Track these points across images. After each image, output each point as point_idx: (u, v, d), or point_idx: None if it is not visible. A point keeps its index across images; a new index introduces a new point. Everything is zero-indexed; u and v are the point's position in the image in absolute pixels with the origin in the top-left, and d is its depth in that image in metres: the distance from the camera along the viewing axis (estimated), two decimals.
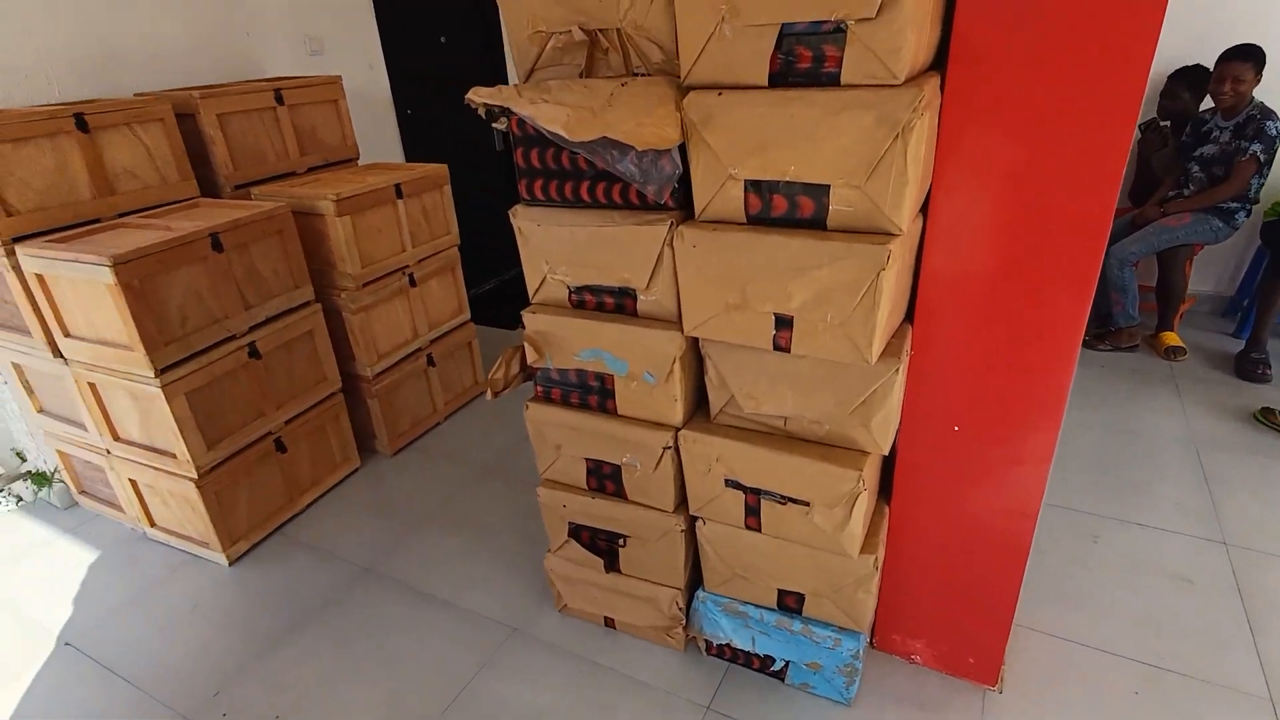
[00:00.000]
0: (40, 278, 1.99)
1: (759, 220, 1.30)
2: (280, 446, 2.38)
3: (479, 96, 1.41)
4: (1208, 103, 3.20)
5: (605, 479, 1.72)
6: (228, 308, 2.14)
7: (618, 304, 1.53)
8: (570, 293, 1.58)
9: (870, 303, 1.21)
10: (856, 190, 1.18)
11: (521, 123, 1.45)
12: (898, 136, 1.10)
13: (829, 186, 1.20)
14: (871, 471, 1.43)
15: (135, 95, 2.55)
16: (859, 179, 1.16)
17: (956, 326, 1.38)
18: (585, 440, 1.68)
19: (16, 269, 2.02)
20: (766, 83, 1.19)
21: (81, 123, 2.10)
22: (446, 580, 2.16)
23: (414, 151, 3.80)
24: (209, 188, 2.53)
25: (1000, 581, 1.57)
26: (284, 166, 2.70)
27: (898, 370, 1.31)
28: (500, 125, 1.50)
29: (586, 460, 1.72)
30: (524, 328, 1.63)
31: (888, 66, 1.08)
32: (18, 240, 2.01)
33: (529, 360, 1.64)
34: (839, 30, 1.10)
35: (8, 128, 1.94)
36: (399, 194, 2.62)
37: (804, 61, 1.15)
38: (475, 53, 4.16)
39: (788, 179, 1.23)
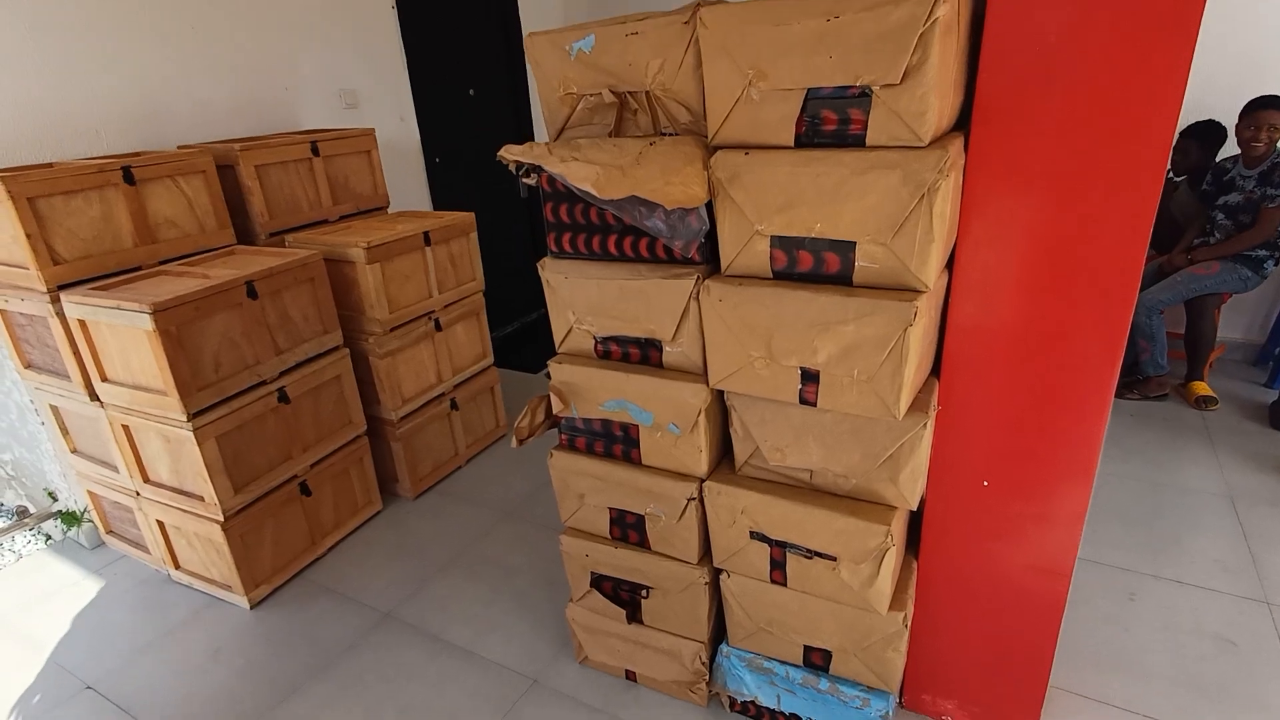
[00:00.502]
0: (82, 323, 2.06)
1: (785, 275, 1.32)
2: (305, 490, 2.40)
3: (510, 154, 1.45)
4: (1225, 152, 3.21)
5: (629, 529, 1.71)
6: (260, 353, 2.19)
7: (643, 355, 1.55)
8: (596, 343, 1.60)
9: (897, 358, 1.21)
10: (882, 247, 1.19)
11: (552, 179, 1.49)
12: (923, 196, 1.12)
13: (855, 243, 1.22)
14: (900, 526, 1.42)
15: (178, 147, 2.65)
16: (885, 236, 1.18)
17: (984, 381, 1.38)
18: (609, 489, 1.68)
19: (60, 315, 2.09)
20: (793, 143, 1.22)
21: (128, 176, 2.19)
22: (466, 627, 2.14)
23: (440, 199, 3.90)
24: (245, 235, 2.61)
25: (1034, 641, 1.53)
26: (317, 214, 2.78)
27: (925, 425, 1.30)
28: (530, 180, 1.55)
29: (610, 509, 1.71)
30: (549, 377, 1.65)
31: (913, 129, 1.11)
32: (63, 288, 2.08)
33: (554, 409, 1.65)
34: (864, 95, 1.13)
35: (60, 182, 2.03)
36: (427, 241, 2.69)
37: (829, 124, 1.18)
38: (502, 105, 4.30)
39: (813, 235, 1.25)
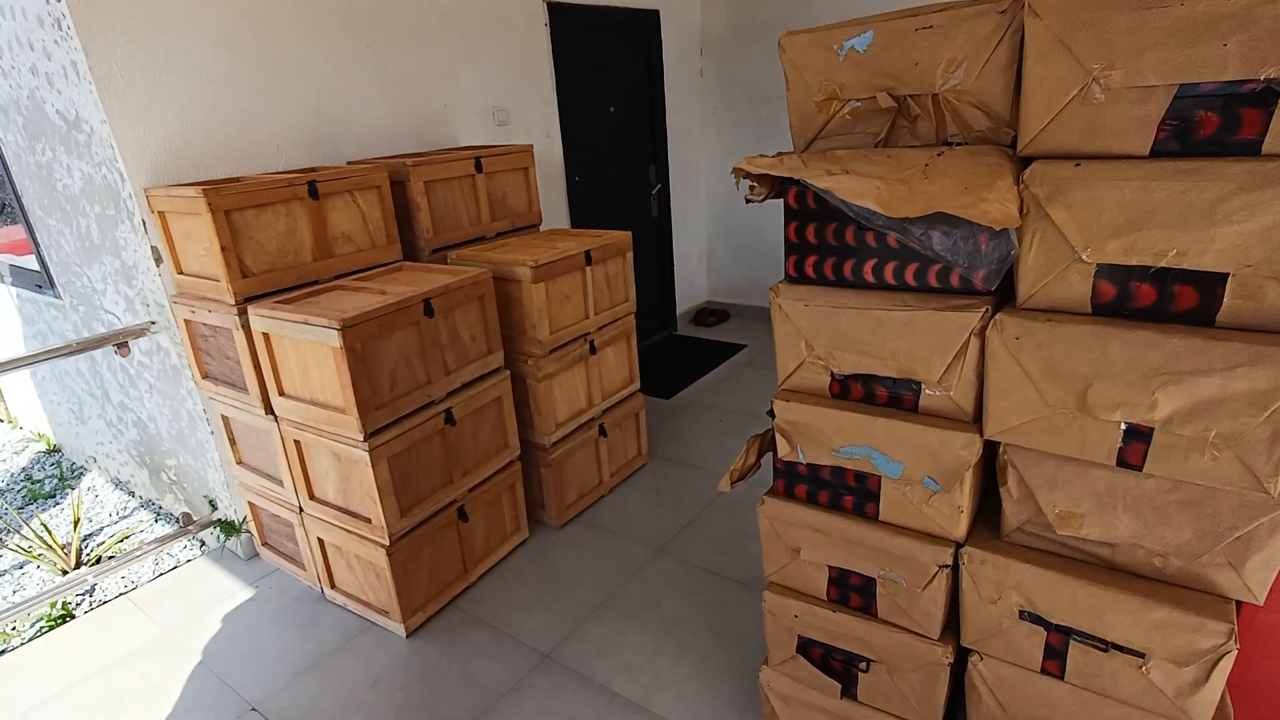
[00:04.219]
0: (266, 337, 2.04)
1: (1109, 311, 1.09)
2: (463, 515, 2.31)
3: (754, 167, 1.30)
4: None
5: (851, 591, 1.50)
6: (431, 373, 2.12)
7: (892, 396, 1.35)
8: (833, 380, 1.41)
9: None
10: (1272, 281, 0.95)
11: (800, 196, 1.33)
12: None
13: (1227, 275, 0.98)
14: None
15: (348, 162, 2.67)
16: (1278, 268, 0.94)
17: None
18: (832, 546, 1.48)
19: (245, 328, 2.08)
20: (1147, 152, 1.00)
21: (313, 190, 2.18)
22: (633, 679, 1.98)
23: (578, 217, 3.84)
24: (408, 251, 2.59)
25: None
26: (476, 231, 2.74)
27: None
28: (756, 198, 1.38)
29: (830, 568, 1.51)
30: (772, 415, 1.47)
31: None
32: (249, 300, 2.08)
33: (780, 453, 1.47)
34: (1269, 91, 0.90)
35: (254, 195, 2.03)
36: (588, 261, 2.58)
37: (1205, 128, 0.96)
38: (640, 123, 4.22)
39: (1164, 264, 1.02)
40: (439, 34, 2.97)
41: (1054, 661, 1.29)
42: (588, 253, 2.58)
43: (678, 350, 4.49)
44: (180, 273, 2.22)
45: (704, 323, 4.91)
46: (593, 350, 2.70)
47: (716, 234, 4.97)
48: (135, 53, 2.10)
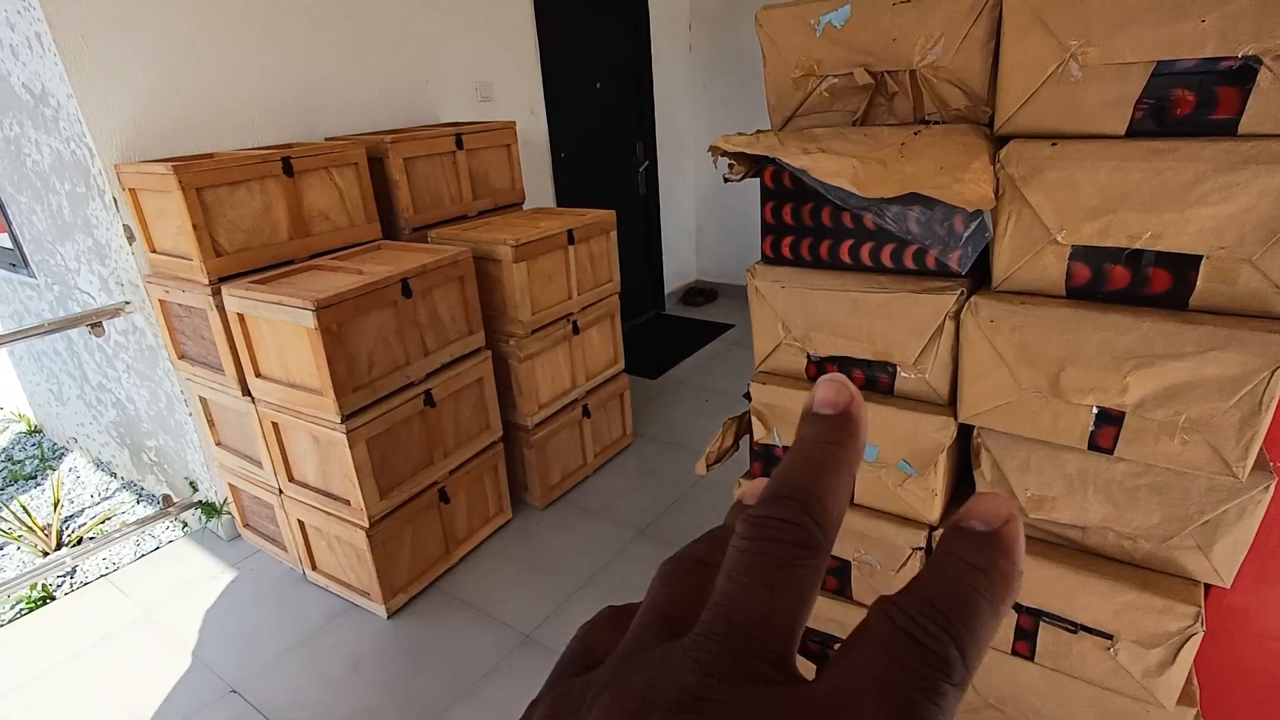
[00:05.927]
0: (241, 317, 2.01)
1: (1082, 294, 1.08)
2: (444, 497, 2.30)
3: (730, 145, 1.27)
4: None
5: (827, 574, 1.50)
6: (410, 354, 2.10)
7: (868, 379, 1.34)
8: (809, 363, 1.40)
9: (1252, 405, 0.96)
10: (1245, 264, 0.94)
11: (776, 175, 1.30)
12: None
13: (1200, 258, 0.97)
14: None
15: (325, 139, 2.62)
16: (1252, 250, 0.93)
17: None
18: None
19: (220, 308, 2.05)
20: (1123, 131, 0.98)
21: (287, 167, 2.13)
22: None
23: (563, 195, 3.79)
24: (388, 229, 2.55)
25: None
26: (457, 209, 2.70)
27: (1267, 487, 1.04)
28: (735, 177, 1.36)
29: None
30: (749, 398, 1.46)
31: None
32: (223, 280, 2.05)
33: (756, 436, 1.46)
34: (1247, 68, 0.88)
35: (227, 172, 1.99)
36: (571, 240, 2.55)
37: (1182, 107, 0.94)
38: (626, 98, 4.16)
39: (1138, 246, 1.01)
40: (420, 6, 2.90)
41: (1024, 643, 1.30)
42: (570, 231, 2.55)
43: (665, 330, 4.47)
44: (153, 251, 2.18)
45: (693, 302, 4.89)
46: (576, 330, 2.68)
47: (706, 212, 4.93)
48: (102, 24, 2.04)
